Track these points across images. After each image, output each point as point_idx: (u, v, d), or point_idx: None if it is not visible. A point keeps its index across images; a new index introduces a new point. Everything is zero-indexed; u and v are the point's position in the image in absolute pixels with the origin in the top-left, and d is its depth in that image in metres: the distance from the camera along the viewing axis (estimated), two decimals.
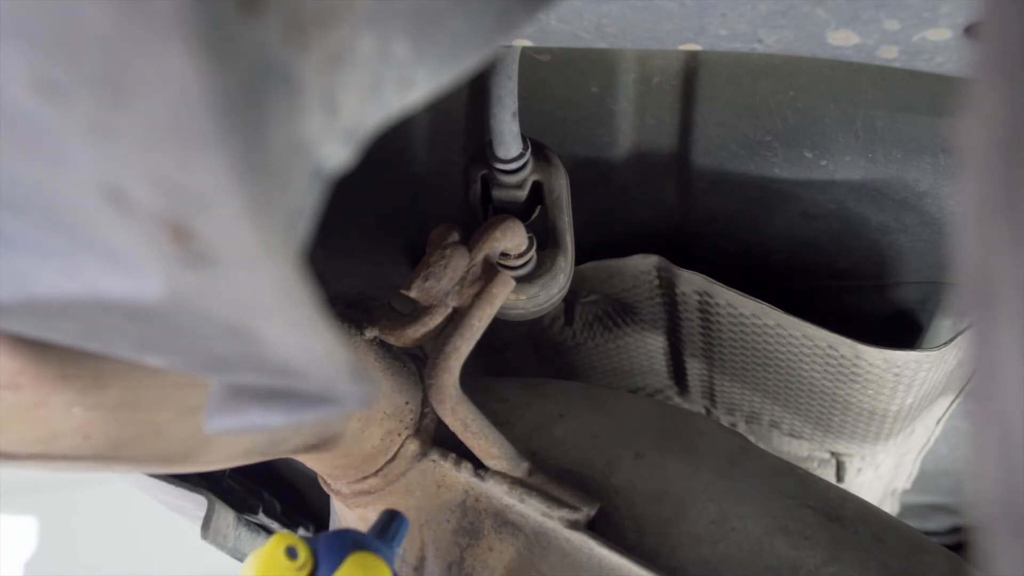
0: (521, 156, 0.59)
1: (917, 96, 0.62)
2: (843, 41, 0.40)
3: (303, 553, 0.43)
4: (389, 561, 0.47)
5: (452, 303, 0.56)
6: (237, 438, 0.47)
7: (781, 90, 0.64)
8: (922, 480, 1.05)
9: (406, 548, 0.61)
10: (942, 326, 0.79)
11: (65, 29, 0.15)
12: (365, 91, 0.20)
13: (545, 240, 0.62)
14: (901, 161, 0.65)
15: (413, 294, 0.55)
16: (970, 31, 0.38)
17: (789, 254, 0.74)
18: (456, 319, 0.56)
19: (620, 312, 0.81)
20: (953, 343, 0.69)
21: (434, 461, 0.60)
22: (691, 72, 0.65)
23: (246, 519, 0.80)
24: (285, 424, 0.25)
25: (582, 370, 0.88)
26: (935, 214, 0.67)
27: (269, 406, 0.25)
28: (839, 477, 0.91)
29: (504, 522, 0.59)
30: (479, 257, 0.56)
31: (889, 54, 0.41)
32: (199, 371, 0.26)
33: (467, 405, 0.57)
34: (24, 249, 0.21)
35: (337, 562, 0.44)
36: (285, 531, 0.45)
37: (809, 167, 0.66)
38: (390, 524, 0.51)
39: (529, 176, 0.60)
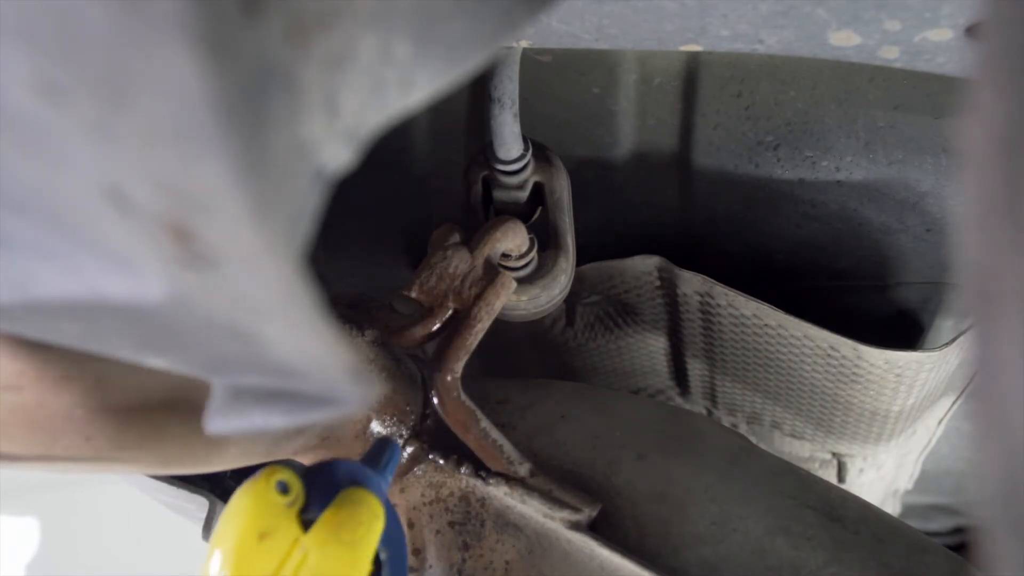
0: (522, 157, 0.59)
1: (918, 96, 0.62)
2: (844, 42, 0.40)
3: (295, 487, 0.40)
4: (381, 493, 0.44)
5: (453, 304, 0.56)
6: (238, 439, 0.47)
7: (782, 90, 0.64)
8: (924, 481, 1.05)
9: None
10: (944, 327, 0.79)
11: (66, 30, 0.15)
12: (366, 92, 0.20)
13: (546, 241, 0.62)
14: (902, 161, 0.65)
15: (414, 295, 0.55)
16: (971, 31, 0.38)
17: (790, 254, 0.74)
18: (457, 320, 0.56)
19: (621, 313, 0.81)
20: (955, 344, 0.69)
21: (435, 462, 0.60)
22: (692, 73, 0.65)
23: None
24: (286, 425, 0.25)
25: (583, 371, 0.88)
26: (937, 214, 0.67)
27: (270, 407, 0.25)
28: (840, 478, 0.91)
29: (505, 523, 0.59)
30: (480, 258, 0.56)
31: (890, 54, 0.41)
32: (200, 372, 0.26)
33: (468, 406, 0.57)
34: (25, 250, 0.21)
35: (329, 497, 0.41)
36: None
37: (810, 167, 0.66)
38: (382, 452, 0.48)
39: (530, 177, 0.60)
